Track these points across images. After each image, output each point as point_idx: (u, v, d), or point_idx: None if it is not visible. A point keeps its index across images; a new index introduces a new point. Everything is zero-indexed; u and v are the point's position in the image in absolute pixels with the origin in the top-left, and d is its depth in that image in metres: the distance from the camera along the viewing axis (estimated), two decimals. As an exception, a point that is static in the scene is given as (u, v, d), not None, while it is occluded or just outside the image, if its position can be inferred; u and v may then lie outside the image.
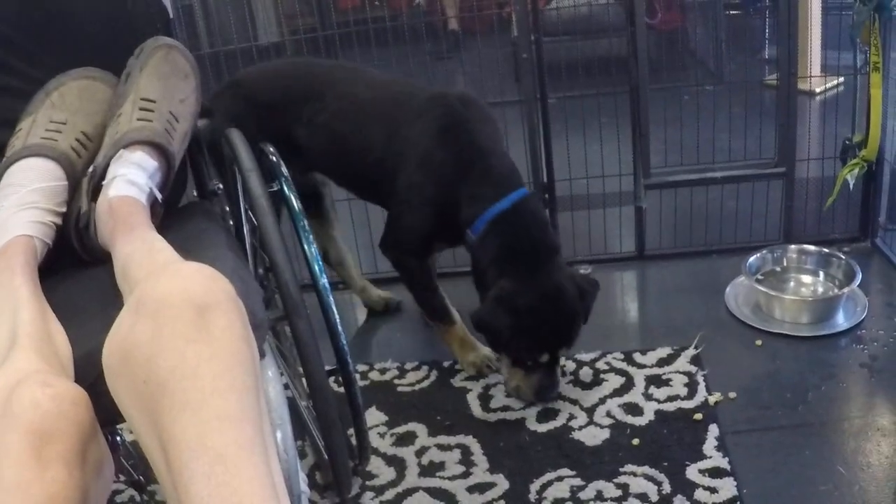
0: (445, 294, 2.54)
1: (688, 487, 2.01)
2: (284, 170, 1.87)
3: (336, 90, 2.47)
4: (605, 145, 3.00)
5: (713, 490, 1.99)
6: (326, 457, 1.71)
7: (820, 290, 2.77)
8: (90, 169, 1.58)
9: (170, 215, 1.66)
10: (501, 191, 2.31)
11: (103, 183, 1.53)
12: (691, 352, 2.49)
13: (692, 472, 2.05)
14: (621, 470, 2.10)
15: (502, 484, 2.10)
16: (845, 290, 2.62)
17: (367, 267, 3.02)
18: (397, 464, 2.20)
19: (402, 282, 2.56)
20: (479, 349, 2.53)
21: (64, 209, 1.57)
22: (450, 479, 2.14)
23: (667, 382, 2.38)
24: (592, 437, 2.22)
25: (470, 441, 2.26)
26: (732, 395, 2.31)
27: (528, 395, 2.35)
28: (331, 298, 1.71)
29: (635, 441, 2.18)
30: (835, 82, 4.07)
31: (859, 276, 2.60)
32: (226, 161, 1.97)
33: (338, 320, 1.71)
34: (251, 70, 2.67)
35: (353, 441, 1.90)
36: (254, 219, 1.66)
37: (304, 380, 1.65)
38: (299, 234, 1.77)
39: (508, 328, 2.25)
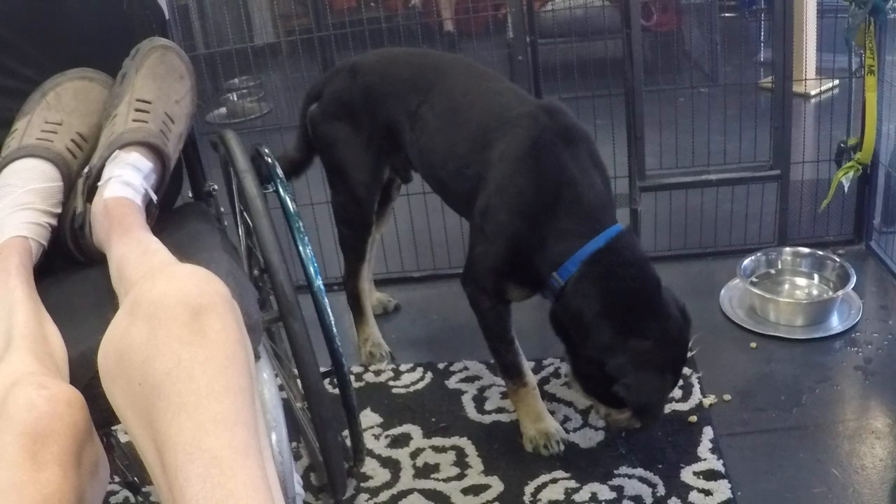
0: (442, 294, 2.53)
1: (682, 490, 2.01)
2: (279, 171, 1.87)
3: (442, 85, 2.28)
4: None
5: (707, 492, 1.99)
6: (321, 458, 1.71)
7: (814, 292, 2.77)
8: (86, 170, 1.58)
9: (165, 216, 1.67)
10: (595, 226, 2.03)
11: (99, 184, 1.53)
12: (686, 354, 2.48)
13: (687, 475, 2.05)
14: (616, 472, 2.10)
15: (497, 486, 2.10)
16: (840, 292, 2.62)
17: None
18: (392, 465, 2.20)
19: (479, 325, 2.22)
20: (548, 424, 2.23)
21: (59, 210, 1.57)
22: (444, 480, 2.13)
23: (661, 385, 2.38)
24: (587, 438, 2.22)
25: (464, 443, 2.26)
26: (727, 397, 2.31)
27: (639, 423, 2.09)
28: (326, 300, 1.71)
29: (630, 443, 2.18)
30: (830, 85, 4.08)
31: (854, 279, 2.61)
32: (221, 162, 1.97)
33: (333, 322, 1.71)
34: (368, 56, 2.52)
35: (348, 443, 1.90)
36: (249, 220, 1.66)
37: (298, 381, 1.65)
38: (294, 235, 1.77)
39: (664, 391, 2.04)
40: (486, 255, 2.11)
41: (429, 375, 2.54)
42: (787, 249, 2.86)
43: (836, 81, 3.95)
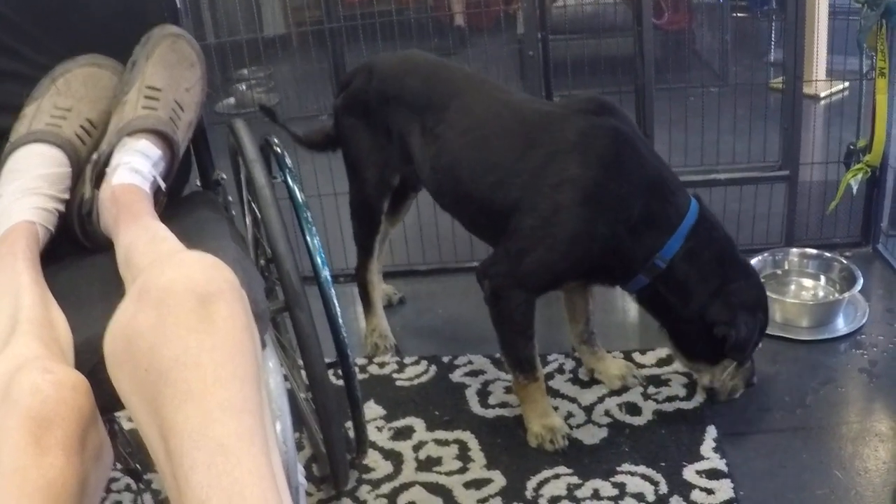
0: (447, 288, 2.52)
1: (685, 488, 2.01)
2: (289, 161, 1.87)
3: (459, 102, 2.27)
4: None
5: (710, 491, 1.99)
6: (324, 449, 1.72)
7: (821, 294, 2.77)
8: (94, 156, 1.58)
9: (173, 204, 1.67)
10: (684, 203, 2.14)
11: (107, 170, 1.54)
12: (691, 353, 2.48)
13: (689, 473, 2.05)
14: (618, 469, 2.09)
15: (499, 480, 2.10)
16: (846, 294, 2.61)
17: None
18: (394, 458, 2.20)
19: (493, 320, 2.21)
20: (553, 419, 2.23)
21: (67, 196, 1.58)
22: (447, 474, 2.13)
23: (666, 383, 2.38)
24: (590, 435, 2.21)
25: (468, 437, 2.25)
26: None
27: (742, 386, 2.28)
28: (332, 291, 1.71)
29: (633, 441, 2.18)
30: (840, 87, 4.06)
31: (860, 281, 2.60)
32: (229, 151, 1.97)
33: (338, 313, 1.71)
34: (385, 60, 2.50)
35: (351, 434, 1.90)
36: (256, 210, 1.66)
37: (303, 372, 1.65)
38: (302, 225, 1.77)
39: (762, 327, 2.20)
40: (556, 260, 2.12)
41: (433, 369, 2.54)
42: (794, 250, 2.86)
43: (847, 83, 3.94)
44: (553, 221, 2.08)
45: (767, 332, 2.53)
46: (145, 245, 1.31)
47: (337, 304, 1.71)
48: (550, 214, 2.08)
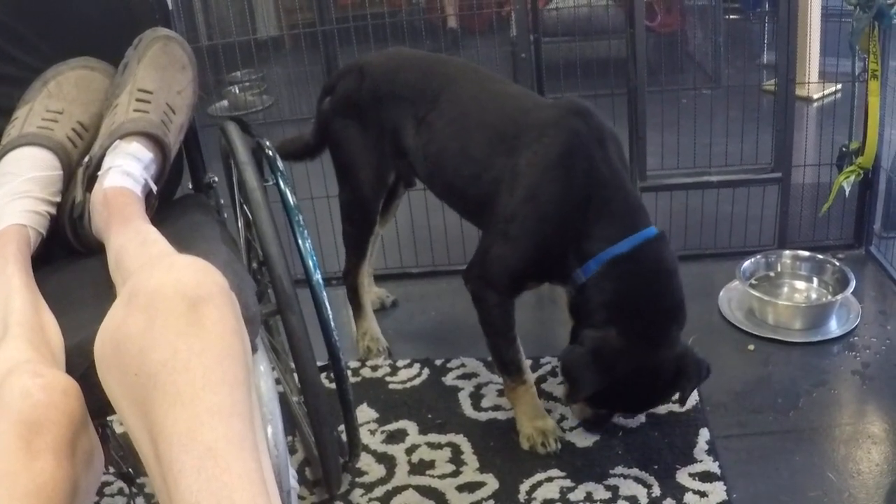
0: (440, 291, 2.51)
1: (678, 491, 2.01)
2: (280, 164, 1.87)
3: (450, 92, 2.28)
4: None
5: (703, 494, 1.99)
6: (316, 453, 1.71)
7: (813, 296, 2.77)
8: (86, 159, 1.58)
9: (164, 207, 1.67)
10: (624, 230, 2.06)
11: (98, 173, 1.53)
12: (684, 355, 2.48)
13: (682, 476, 2.05)
14: (611, 472, 2.09)
15: (492, 483, 2.10)
16: (839, 296, 2.61)
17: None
18: (387, 461, 2.20)
19: (479, 321, 2.22)
20: (545, 421, 2.23)
21: (58, 199, 1.57)
22: (439, 477, 2.13)
23: (658, 385, 2.38)
24: (583, 438, 2.21)
25: (460, 440, 2.25)
26: (724, 399, 2.30)
27: (577, 417, 2.25)
28: (324, 294, 1.70)
29: (626, 443, 2.18)
30: (833, 89, 4.07)
31: (853, 284, 2.60)
32: (221, 154, 1.97)
33: (331, 316, 1.70)
34: (376, 58, 2.50)
35: (344, 437, 1.90)
36: (248, 212, 1.66)
37: (295, 375, 1.64)
38: (294, 228, 1.77)
39: (592, 387, 2.02)
40: (509, 257, 2.11)
41: (426, 371, 2.54)
42: (787, 252, 2.86)
43: (839, 85, 3.94)
44: (505, 217, 2.10)
45: (760, 334, 2.54)
46: (136, 248, 1.30)
47: (329, 307, 1.71)
48: (503, 210, 2.10)
